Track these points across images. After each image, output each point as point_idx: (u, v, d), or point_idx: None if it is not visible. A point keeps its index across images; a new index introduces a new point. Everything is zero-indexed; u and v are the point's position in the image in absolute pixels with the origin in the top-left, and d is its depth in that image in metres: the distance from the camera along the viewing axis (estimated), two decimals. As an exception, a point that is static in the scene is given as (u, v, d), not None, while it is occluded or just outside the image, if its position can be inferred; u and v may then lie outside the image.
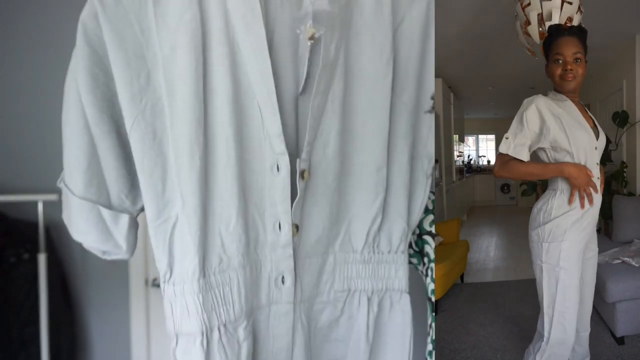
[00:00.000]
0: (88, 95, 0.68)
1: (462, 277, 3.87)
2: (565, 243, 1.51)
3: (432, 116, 0.82)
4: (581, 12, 2.20)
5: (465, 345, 2.60)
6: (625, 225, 3.41)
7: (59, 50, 2.29)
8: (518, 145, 1.51)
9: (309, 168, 0.71)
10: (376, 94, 0.75)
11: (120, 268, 2.29)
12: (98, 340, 2.30)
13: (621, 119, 4.04)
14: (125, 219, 0.74)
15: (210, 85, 0.67)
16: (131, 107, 0.67)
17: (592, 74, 5.46)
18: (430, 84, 0.81)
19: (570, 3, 2.12)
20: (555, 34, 1.59)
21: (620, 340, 2.52)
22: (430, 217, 0.85)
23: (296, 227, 0.71)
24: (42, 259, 1.99)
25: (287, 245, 0.71)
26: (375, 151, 0.75)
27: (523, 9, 2.22)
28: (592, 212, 1.55)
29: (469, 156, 10.52)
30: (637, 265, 2.68)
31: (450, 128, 6.64)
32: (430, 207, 0.85)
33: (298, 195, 0.70)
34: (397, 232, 0.78)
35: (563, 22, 2.14)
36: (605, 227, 4.17)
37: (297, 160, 0.70)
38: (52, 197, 2.03)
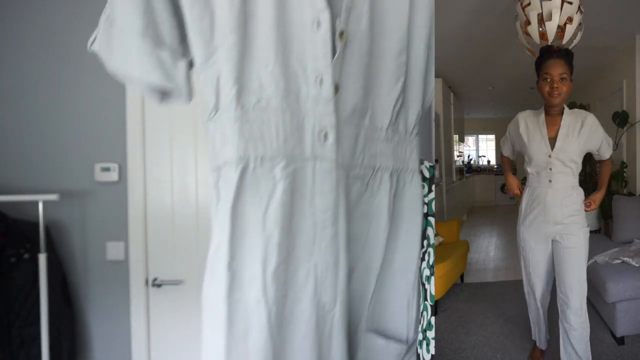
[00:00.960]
0: None
1: (462, 277, 3.87)
2: (519, 225, 2.04)
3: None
4: (581, 12, 2.20)
5: (465, 345, 2.60)
6: (625, 225, 3.41)
7: (59, 51, 2.30)
8: (503, 142, 2.15)
9: (346, 33, 0.74)
10: None
11: (120, 268, 2.29)
12: (98, 340, 2.30)
13: (621, 119, 4.04)
14: (182, 63, 0.75)
15: None
16: None
17: (592, 74, 5.46)
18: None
19: (570, 3, 2.12)
20: (545, 55, 1.87)
21: (620, 340, 2.52)
22: (433, 194, 0.87)
23: (336, 88, 0.74)
24: (42, 259, 1.99)
25: (329, 101, 0.74)
26: (397, 35, 0.79)
27: (523, 9, 2.22)
28: (542, 208, 1.95)
29: (469, 156, 10.52)
30: (637, 265, 2.68)
31: (450, 128, 6.64)
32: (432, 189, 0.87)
33: (337, 53, 0.73)
34: (413, 115, 0.83)
35: (563, 22, 2.15)
36: (605, 227, 4.17)
37: (337, 20, 0.73)
38: (52, 197, 2.03)
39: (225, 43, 0.70)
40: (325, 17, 0.72)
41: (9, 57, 2.30)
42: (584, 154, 1.96)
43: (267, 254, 0.69)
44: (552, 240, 1.98)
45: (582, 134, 1.90)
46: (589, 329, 1.97)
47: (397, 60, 0.80)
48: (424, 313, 0.84)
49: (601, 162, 2.11)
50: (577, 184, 1.98)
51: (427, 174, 0.89)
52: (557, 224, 1.93)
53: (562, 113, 1.93)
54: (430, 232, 0.86)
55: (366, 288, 0.79)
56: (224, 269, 0.69)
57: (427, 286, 0.84)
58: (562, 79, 1.84)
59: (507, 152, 2.19)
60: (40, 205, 2.03)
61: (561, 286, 1.93)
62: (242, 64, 0.70)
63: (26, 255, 2.04)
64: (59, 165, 2.28)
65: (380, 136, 0.80)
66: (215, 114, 0.72)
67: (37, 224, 2.07)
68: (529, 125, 1.96)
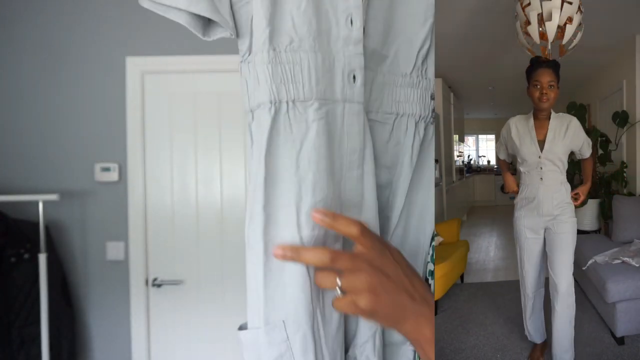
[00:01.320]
0: None
1: (462, 277, 3.87)
2: (515, 218, 2.28)
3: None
4: (581, 12, 2.21)
5: (465, 345, 2.60)
6: (625, 225, 3.41)
7: (58, 52, 2.30)
8: (498, 147, 2.37)
9: None
10: None
11: (120, 268, 2.29)
12: (98, 340, 2.30)
13: (621, 119, 4.04)
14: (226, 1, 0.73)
15: None
16: None
17: (592, 74, 5.45)
18: None
19: (570, 3, 2.12)
20: (535, 65, 2.11)
21: (620, 340, 2.52)
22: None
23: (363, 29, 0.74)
24: (42, 259, 1.99)
25: (358, 42, 0.74)
26: None
27: (523, 9, 2.22)
28: (536, 203, 2.17)
29: (469, 156, 10.53)
30: (637, 265, 2.68)
31: (450, 128, 6.64)
32: None
33: None
34: None
35: (563, 23, 2.16)
36: (605, 227, 4.17)
37: None
38: (52, 197, 2.03)
39: None
40: None
41: (9, 57, 2.30)
42: (569, 153, 2.22)
43: (302, 194, 0.71)
44: (545, 230, 2.22)
45: (567, 136, 2.15)
46: (574, 310, 2.18)
47: (426, 1, 0.79)
48: None
49: (583, 160, 2.37)
50: (565, 180, 2.22)
51: None
52: (549, 215, 2.18)
53: (549, 117, 2.18)
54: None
55: (384, 238, 0.80)
56: (259, 210, 0.71)
57: (430, 281, 0.83)
58: (551, 86, 2.07)
59: (502, 156, 2.45)
60: (40, 205, 2.03)
61: (551, 270, 2.16)
62: (275, 3, 0.70)
63: (26, 255, 2.04)
64: (59, 165, 2.28)
65: (404, 82, 0.79)
66: (248, 55, 0.72)
67: (37, 224, 2.07)
68: (520, 130, 2.21)
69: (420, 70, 0.80)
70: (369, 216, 0.76)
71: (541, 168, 2.18)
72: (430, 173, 0.82)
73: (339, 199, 0.75)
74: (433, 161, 0.82)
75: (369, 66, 0.76)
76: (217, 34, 0.74)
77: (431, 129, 0.83)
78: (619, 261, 2.79)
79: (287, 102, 0.70)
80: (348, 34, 0.74)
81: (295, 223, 0.70)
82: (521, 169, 2.25)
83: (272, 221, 0.71)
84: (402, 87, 0.79)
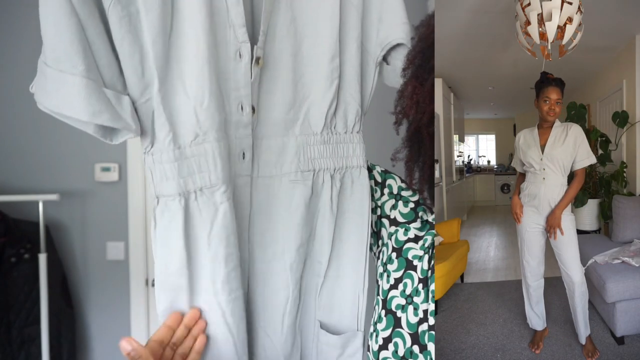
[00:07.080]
0: None
1: (462, 277, 3.87)
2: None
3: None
4: (581, 12, 2.21)
5: (465, 345, 2.60)
6: (625, 225, 3.40)
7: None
8: (514, 161, 2.55)
9: (263, 56, 0.80)
10: None
11: (120, 268, 2.29)
12: (98, 340, 2.30)
13: (621, 119, 4.02)
14: (126, 99, 0.74)
15: None
16: None
17: (592, 74, 5.44)
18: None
19: (570, 3, 2.12)
20: (545, 82, 2.34)
21: (620, 340, 2.52)
22: (392, 201, 0.89)
23: (253, 109, 0.81)
24: (42, 259, 1.99)
25: (247, 125, 0.81)
26: (328, 41, 0.84)
27: (523, 9, 2.23)
28: (537, 202, 2.33)
29: (469, 156, 10.52)
30: (637, 265, 2.68)
31: (450, 128, 6.62)
32: (395, 191, 0.90)
33: (252, 77, 0.79)
34: (352, 114, 0.88)
35: (563, 23, 2.17)
36: (605, 227, 4.17)
37: (254, 47, 0.78)
38: (52, 197, 2.03)
39: (161, 86, 0.72)
40: (246, 48, 0.78)
41: (9, 57, 2.30)
42: (573, 157, 2.36)
43: (215, 267, 0.77)
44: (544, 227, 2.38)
45: (566, 142, 2.37)
46: (587, 295, 2.40)
47: (330, 64, 0.84)
48: (376, 307, 0.87)
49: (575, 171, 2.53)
50: (566, 183, 2.39)
51: (379, 179, 0.92)
52: (548, 214, 2.38)
53: (552, 127, 2.37)
54: (384, 232, 0.89)
55: (318, 280, 0.87)
56: (185, 283, 0.78)
57: (380, 282, 0.86)
58: (557, 102, 2.29)
59: (520, 167, 2.64)
60: (40, 205, 2.03)
61: (563, 265, 2.36)
62: (178, 105, 0.74)
63: (26, 255, 2.04)
64: (59, 165, 2.28)
65: (316, 140, 0.86)
66: (151, 148, 0.76)
67: (37, 224, 2.07)
68: (526, 139, 2.47)
69: (330, 128, 0.86)
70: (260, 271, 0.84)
71: (544, 169, 2.38)
72: (356, 223, 0.87)
73: (238, 259, 0.81)
74: (364, 207, 0.87)
75: (274, 135, 0.83)
76: (123, 136, 0.77)
77: (350, 178, 0.88)
78: (618, 261, 2.78)
79: (194, 192, 0.76)
80: (239, 119, 0.79)
81: (213, 292, 0.77)
82: (528, 172, 2.46)
83: (195, 291, 0.78)
84: (315, 145, 0.86)
